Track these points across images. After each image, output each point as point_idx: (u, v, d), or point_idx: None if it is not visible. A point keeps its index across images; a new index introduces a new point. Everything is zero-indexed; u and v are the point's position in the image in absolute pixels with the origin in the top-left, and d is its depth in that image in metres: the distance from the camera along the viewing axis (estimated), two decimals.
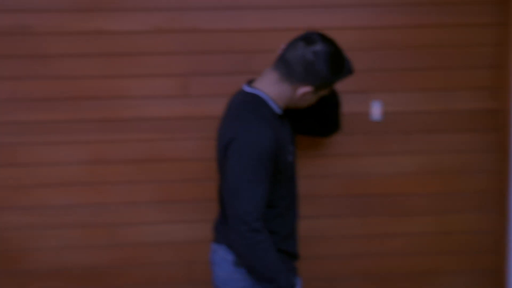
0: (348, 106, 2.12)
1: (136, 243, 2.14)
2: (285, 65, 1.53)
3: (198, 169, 2.12)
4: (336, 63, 1.53)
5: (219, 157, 1.58)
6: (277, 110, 1.59)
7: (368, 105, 2.12)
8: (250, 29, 2.06)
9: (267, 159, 1.47)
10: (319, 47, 1.51)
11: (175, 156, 2.11)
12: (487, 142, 2.19)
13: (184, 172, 2.11)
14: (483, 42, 2.13)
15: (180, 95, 2.08)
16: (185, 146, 2.10)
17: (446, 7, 2.09)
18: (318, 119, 1.90)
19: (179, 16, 2.03)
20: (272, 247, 1.50)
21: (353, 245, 2.17)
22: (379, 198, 2.19)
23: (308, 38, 1.53)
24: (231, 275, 1.59)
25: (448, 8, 2.09)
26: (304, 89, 1.54)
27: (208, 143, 2.09)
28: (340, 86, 2.07)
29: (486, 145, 2.19)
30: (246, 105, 1.55)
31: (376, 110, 2.12)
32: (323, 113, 1.87)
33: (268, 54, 2.06)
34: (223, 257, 1.62)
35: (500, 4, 2.11)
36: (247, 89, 1.60)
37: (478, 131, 2.18)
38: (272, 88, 1.57)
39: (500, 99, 2.17)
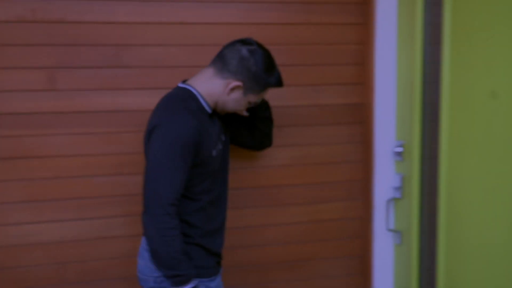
0: None
1: (5, 245, 2.00)
2: (220, 60, 1.61)
3: (70, 166, 2.03)
4: (268, 65, 1.61)
5: (144, 144, 1.59)
6: (206, 106, 1.63)
7: None
8: (120, 22, 2.00)
9: (188, 148, 1.49)
10: (255, 48, 1.60)
11: (44, 153, 2.00)
12: (353, 135, 2.30)
13: (55, 170, 2.01)
14: (347, 40, 2.24)
15: (47, 89, 1.98)
16: (55, 142, 2.00)
17: (313, 6, 2.17)
18: (250, 133, 1.93)
19: (44, 7, 1.94)
20: (180, 236, 1.50)
21: (231, 237, 2.18)
22: (255, 190, 2.21)
23: (246, 40, 1.62)
24: (148, 264, 1.60)
25: (315, 7, 2.17)
26: (234, 83, 1.59)
27: (79, 138, 2.01)
28: None
29: (352, 137, 2.30)
30: (175, 97, 1.59)
31: None
32: (255, 127, 1.91)
33: (138, 48, 2.02)
34: (143, 246, 1.64)
35: (362, 5, 2.22)
36: (180, 85, 1.65)
37: (344, 124, 2.28)
38: (204, 85, 1.62)
39: (363, 94, 2.28)
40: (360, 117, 2.31)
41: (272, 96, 2.13)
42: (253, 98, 1.66)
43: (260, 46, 1.64)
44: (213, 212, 1.68)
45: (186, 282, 1.52)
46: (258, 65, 1.60)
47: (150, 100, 2.05)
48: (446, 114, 1.77)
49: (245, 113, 1.73)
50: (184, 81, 1.69)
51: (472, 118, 1.62)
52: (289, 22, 2.16)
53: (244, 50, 1.60)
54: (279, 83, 1.67)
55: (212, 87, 1.62)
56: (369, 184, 2.27)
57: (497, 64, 1.52)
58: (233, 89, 1.61)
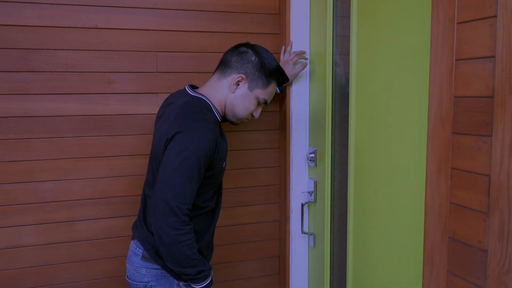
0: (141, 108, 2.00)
1: None
2: (222, 63, 1.59)
3: None
4: (267, 58, 1.57)
5: (157, 152, 1.50)
6: (218, 116, 1.57)
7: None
8: (29, 25, 1.84)
9: (204, 159, 1.42)
10: (252, 44, 1.60)
11: None
12: (271, 141, 2.23)
13: None
14: None
15: None
16: None
17: (229, 15, 2.09)
18: None
19: None
20: (194, 236, 1.44)
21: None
22: None
23: (242, 43, 1.62)
24: (138, 269, 1.56)
25: (231, 17, 2.09)
26: (237, 76, 1.54)
27: None
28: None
29: (270, 143, 2.23)
30: (192, 107, 1.49)
31: None
32: None
33: (49, 52, 1.86)
34: (134, 251, 1.58)
35: (276, 16, 2.16)
36: (192, 92, 1.57)
37: (264, 131, 2.21)
38: (213, 91, 1.57)
39: (280, 101, 2.22)
40: (277, 123, 2.24)
41: None
42: (260, 94, 1.58)
43: (256, 46, 1.61)
44: (213, 217, 1.63)
45: (209, 275, 1.47)
46: (258, 55, 1.57)
47: (61, 105, 1.90)
48: (354, 118, 1.73)
49: (256, 114, 1.63)
50: (192, 87, 1.62)
51: (377, 123, 1.59)
52: (206, 30, 2.08)
53: (241, 48, 1.59)
54: (282, 74, 1.61)
55: (219, 90, 1.57)
56: (285, 189, 2.20)
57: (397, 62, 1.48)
58: (237, 83, 1.56)
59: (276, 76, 1.60)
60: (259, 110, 1.64)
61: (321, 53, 2.01)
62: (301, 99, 2.15)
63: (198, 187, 1.45)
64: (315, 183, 2.09)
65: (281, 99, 2.24)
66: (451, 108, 1.17)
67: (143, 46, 2.02)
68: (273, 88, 1.62)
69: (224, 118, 1.66)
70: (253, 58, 1.56)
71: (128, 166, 2.06)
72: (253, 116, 1.65)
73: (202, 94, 1.57)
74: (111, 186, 2.04)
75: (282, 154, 2.26)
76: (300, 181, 2.17)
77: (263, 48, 1.62)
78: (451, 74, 1.16)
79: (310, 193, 2.14)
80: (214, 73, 1.62)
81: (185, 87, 1.66)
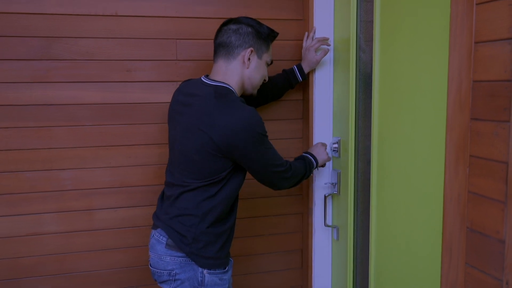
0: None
1: None
2: (221, 49, 1.70)
3: None
4: (256, 24, 1.72)
5: (188, 146, 1.61)
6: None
7: None
8: (50, 13, 1.94)
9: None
10: (235, 19, 1.72)
11: None
12: (294, 130, 2.27)
13: None
14: (287, 36, 2.19)
15: None
16: None
17: (250, 1, 2.16)
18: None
19: None
20: (292, 166, 1.78)
21: None
22: None
23: (225, 22, 1.73)
24: (162, 257, 1.64)
25: (252, 2, 2.16)
26: (247, 52, 1.68)
27: (8, 132, 1.96)
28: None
29: (293, 132, 2.27)
30: (225, 97, 1.61)
31: None
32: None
33: (70, 40, 1.97)
34: (157, 239, 1.67)
35: (299, 1, 2.19)
36: (211, 82, 1.68)
37: (286, 120, 2.25)
38: (229, 77, 1.69)
39: (303, 89, 2.25)
40: (300, 112, 2.27)
41: None
42: (267, 57, 1.77)
43: (238, 18, 1.74)
44: (236, 202, 1.76)
45: (311, 160, 1.89)
46: (249, 26, 1.70)
47: (81, 94, 1.99)
48: (377, 110, 1.74)
49: (267, 76, 1.82)
50: (207, 77, 1.72)
51: (400, 111, 1.60)
52: (226, 16, 2.11)
53: (230, 25, 1.70)
54: (273, 31, 1.76)
55: (234, 72, 1.69)
56: (308, 180, 2.23)
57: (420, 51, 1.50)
58: (249, 59, 1.69)
59: (271, 35, 1.76)
60: (267, 73, 1.82)
61: (345, 39, 2.02)
62: (324, 87, 2.17)
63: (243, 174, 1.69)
64: (339, 174, 2.11)
65: (304, 87, 2.26)
66: (469, 93, 1.18)
67: (162, 33, 2.08)
68: (271, 48, 1.80)
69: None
70: (249, 30, 1.70)
71: (147, 155, 2.14)
72: (265, 80, 1.82)
73: (222, 82, 1.67)
74: (131, 175, 2.12)
75: (305, 145, 2.28)
76: (323, 172, 2.19)
77: (245, 17, 1.74)
78: (470, 57, 1.17)
79: (333, 184, 2.16)
80: (216, 60, 1.72)
81: (201, 78, 1.75)
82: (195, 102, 1.65)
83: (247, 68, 1.70)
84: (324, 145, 2.04)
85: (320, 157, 1.97)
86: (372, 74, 1.77)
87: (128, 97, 2.08)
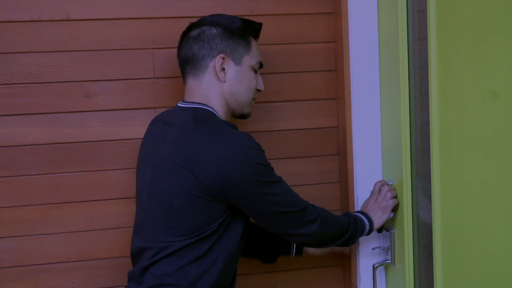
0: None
1: None
2: (185, 64, 1.84)
3: None
4: (223, 19, 1.84)
5: (178, 187, 1.68)
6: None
7: None
8: None
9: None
10: (195, 23, 1.85)
11: None
12: (327, 172, 2.37)
13: None
14: (313, 38, 2.31)
15: None
16: None
17: None
18: None
19: None
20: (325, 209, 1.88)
21: None
22: None
23: (184, 30, 1.88)
24: None
25: None
26: (217, 62, 1.80)
27: None
28: None
29: (325, 176, 2.35)
30: (207, 121, 1.73)
31: None
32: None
33: (1, 56, 2.07)
34: None
35: None
36: (187, 104, 1.83)
37: (315, 157, 2.34)
38: (207, 98, 1.82)
39: (338, 112, 2.33)
40: (335, 146, 2.34)
41: None
42: (250, 59, 1.85)
43: (197, 20, 1.88)
44: (236, 268, 1.89)
45: (362, 223, 1.96)
46: (215, 23, 1.83)
47: (23, 131, 2.12)
48: (437, 137, 1.76)
49: (261, 86, 1.93)
50: (183, 101, 1.87)
51: (467, 136, 1.63)
52: (227, 13, 2.16)
53: (190, 33, 1.84)
54: (251, 23, 1.87)
55: (210, 92, 1.82)
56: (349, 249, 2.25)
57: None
58: (222, 68, 1.80)
59: (249, 29, 1.84)
60: (260, 79, 1.91)
61: (392, 39, 2.06)
62: (368, 109, 2.20)
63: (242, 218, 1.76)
64: (392, 235, 2.12)
65: (338, 109, 2.30)
66: None
67: (134, 41, 2.16)
68: (255, 44, 1.88)
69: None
70: (214, 31, 1.81)
71: (117, 215, 2.20)
72: (260, 90, 1.91)
73: (200, 103, 1.81)
74: (94, 244, 2.19)
75: (344, 192, 2.31)
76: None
77: (208, 16, 1.85)
78: None
79: (385, 249, 2.17)
80: (185, 80, 1.87)
81: (178, 103, 1.87)
82: (171, 132, 1.76)
83: (224, 81, 1.81)
84: (385, 185, 2.06)
85: (377, 216, 1.99)
86: (429, 89, 1.79)
87: (87, 133, 2.16)
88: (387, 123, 2.15)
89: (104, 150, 2.17)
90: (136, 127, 2.18)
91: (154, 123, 1.92)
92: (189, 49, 1.81)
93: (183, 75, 1.86)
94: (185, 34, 1.84)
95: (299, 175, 2.30)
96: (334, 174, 2.32)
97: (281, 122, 2.29)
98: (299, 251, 2.13)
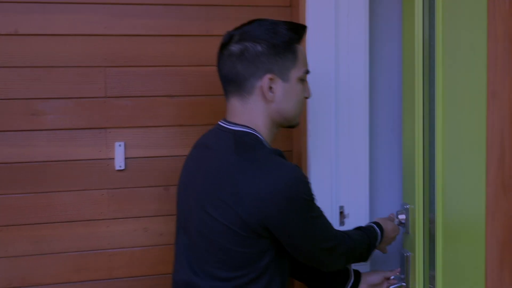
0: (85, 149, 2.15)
1: None
2: (228, 83, 1.70)
3: None
4: (268, 31, 1.66)
5: (221, 225, 1.60)
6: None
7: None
8: None
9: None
10: (236, 35, 1.68)
11: None
12: None
13: None
14: None
15: None
16: None
17: (215, 11, 2.22)
18: None
19: None
20: (352, 233, 1.84)
21: None
22: None
23: (222, 42, 1.71)
24: None
25: (219, 12, 2.22)
26: (264, 83, 1.65)
27: None
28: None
29: None
30: (250, 149, 1.62)
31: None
32: None
33: None
34: None
35: (287, 9, 2.24)
36: (229, 125, 1.70)
37: None
38: (251, 118, 1.69)
39: (297, 139, 2.28)
40: None
41: (151, 142, 2.17)
42: (297, 71, 1.72)
43: (237, 29, 1.71)
44: None
45: (376, 233, 1.93)
46: (259, 38, 1.66)
47: None
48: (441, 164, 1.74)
49: (308, 94, 1.81)
50: (225, 120, 1.74)
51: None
52: (180, 33, 2.18)
53: (231, 48, 1.68)
54: (297, 28, 1.71)
55: (256, 113, 1.70)
56: None
57: None
58: (270, 87, 1.67)
59: (295, 38, 1.70)
60: (307, 87, 1.79)
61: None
62: (324, 133, 2.19)
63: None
64: (407, 259, 2.08)
65: (294, 133, 2.28)
66: None
67: (85, 59, 2.12)
68: (301, 52, 1.74)
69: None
70: (258, 49, 1.66)
71: (64, 239, 2.15)
72: (306, 98, 1.81)
73: (243, 125, 1.69)
74: (38, 269, 2.13)
75: None
76: (385, 255, 2.17)
77: (247, 26, 1.69)
78: None
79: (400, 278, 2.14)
80: (228, 98, 1.73)
81: (218, 122, 1.75)
82: (211, 158, 1.67)
83: (272, 101, 1.69)
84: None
85: (388, 227, 1.99)
86: (435, 112, 1.76)
87: (34, 153, 2.11)
88: (406, 138, 2.13)
89: (51, 171, 2.11)
90: (86, 148, 2.14)
91: (196, 146, 1.82)
92: (232, 67, 1.67)
93: (226, 93, 1.73)
94: (225, 46, 1.70)
95: None
96: None
97: None
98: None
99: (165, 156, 2.20)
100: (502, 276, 1.21)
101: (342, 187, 2.20)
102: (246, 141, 1.64)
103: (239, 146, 1.62)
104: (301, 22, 2.16)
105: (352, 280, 2.00)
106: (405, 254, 2.08)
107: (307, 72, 1.77)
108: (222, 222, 1.58)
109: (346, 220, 2.19)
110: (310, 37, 2.16)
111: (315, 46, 2.16)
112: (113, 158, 2.16)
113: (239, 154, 1.60)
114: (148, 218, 2.20)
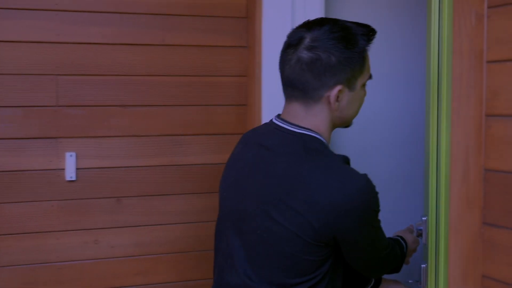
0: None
1: None
2: (291, 88, 1.62)
3: None
4: (339, 34, 1.58)
5: (289, 231, 1.54)
6: None
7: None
8: None
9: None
10: (307, 40, 1.58)
11: None
12: None
13: None
14: (229, 71, 2.29)
15: None
16: None
17: (170, 20, 2.20)
18: None
19: None
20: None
21: None
22: None
23: (290, 40, 1.62)
24: None
25: (174, 22, 2.21)
26: (333, 94, 1.59)
27: None
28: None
29: None
30: (321, 156, 1.58)
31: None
32: None
33: None
34: None
35: (242, 20, 2.25)
36: (293, 128, 1.62)
37: None
38: (314, 123, 1.62)
39: None
40: None
41: (103, 152, 2.13)
42: (363, 78, 1.67)
43: (309, 29, 1.61)
44: None
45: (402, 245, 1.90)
46: (333, 48, 1.57)
47: None
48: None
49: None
50: (281, 118, 1.67)
51: None
52: (135, 42, 2.15)
53: (301, 52, 1.58)
54: (367, 31, 1.63)
55: (319, 119, 1.64)
56: None
57: None
58: (338, 96, 1.61)
59: (367, 45, 1.64)
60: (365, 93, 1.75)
61: None
62: None
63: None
64: (424, 270, 2.07)
65: None
66: (480, 185, 1.21)
67: (36, 67, 2.07)
68: (368, 57, 1.68)
69: None
70: (332, 60, 1.58)
71: (12, 251, 2.09)
72: None
73: (308, 129, 1.63)
74: None
75: None
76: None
77: (318, 29, 1.60)
78: (480, 134, 1.21)
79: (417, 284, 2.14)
80: (289, 100, 1.67)
81: (272, 121, 1.69)
82: (275, 161, 1.61)
83: (336, 110, 1.64)
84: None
85: (409, 239, 1.98)
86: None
87: None
88: None
89: None
90: (35, 158, 2.09)
91: (247, 144, 1.75)
92: (301, 75, 1.58)
93: (285, 93, 1.66)
94: (292, 48, 1.61)
95: (204, 211, 2.27)
96: None
97: (189, 156, 2.25)
98: None
99: (118, 167, 2.16)
100: None
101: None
102: (316, 147, 1.60)
103: (310, 152, 1.58)
104: (257, 35, 2.16)
105: (372, 284, 1.99)
106: (421, 266, 2.09)
107: (371, 77, 1.72)
108: (288, 229, 1.53)
109: None
110: (265, 49, 2.16)
111: (271, 58, 2.15)
112: (64, 169, 2.11)
113: (311, 160, 1.56)
114: (99, 230, 2.16)
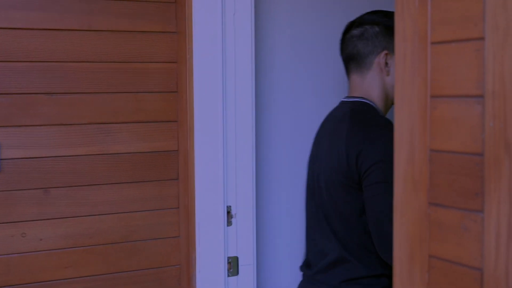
0: None
1: None
2: (350, 61, 2.02)
3: None
4: (380, 13, 2.00)
5: (332, 179, 1.91)
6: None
7: None
8: None
9: None
10: (356, 22, 2.02)
11: None
12: (164, 198, 2.24)
13: None
14: (156, 57, 2.24)
15: None
16: None
17: (96, 4, 2.13)
18: None
19: None
20: None
21: None
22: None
23: (345, 29, 2.06)
24: None
25: (100, 6, 2.14)
26: (381, 59, 1.97)
27: None
28: None
29: (163, 201, 2.24)
30: (362, 114, 1.93)
31: None
32: None
33: None
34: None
35: (171, 5, 2.20)
36: (348, 99, 2.01)
37: (151, 182, 2.22)
38: (369, 92, 1.98)
39: (180, 135, 2.26)
40: (174, 171, 2.26)
41: (29, 142, 2.05)
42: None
43: (360, 17, 2.03)
44: None
45: None
46: (376, 21, 1.97)
47: None
48: None
49: None
50: (344, 98, 2.05)
51: None
52: (59, 27, 2.08)
53: (352, 31, 2.01)
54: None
55: (374, 86, 1.99)
56: (189, 272, 2.20)
57: None
58: (386, 63, 1.97)
59: None
60: None
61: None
62: (211, 132, 2.17)
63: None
64: None
65: (179, 132, 2.24)
66: (426, 166, 1.22)
67: None
68: None
69: None
70: (376, 29, 1.97)
71: None
72: None
73: (360, 97, 1.99)
74: None
75: (184, 218, 2.29)
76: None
77: (367, 14, 2.01)
78: (425, 116, 1.22)
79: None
80: (350, 76, 2.04)
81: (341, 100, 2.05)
82: (329, 128, 1.99)
83: (387, 75, 1.98)
84: None
85: None
86: None
87: None
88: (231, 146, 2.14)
89: None
90: None
91: (323, 122, 2.10)
92: (354, 47, 1.99)
93: (347, 71, 2.04)
94: (346, 33, 2.02)
95: (135, 200, 2.22)
96: (173, 199, 2.26)
97: (117, 144, 2.20)
98: None
99: (45, 157, 2.08)
100: (412, 271, 1.22)
101: (230, 186, 2.19)
102: (363, 109, 1.94)
103: (353, 113, 1.91)
104: (188, 20, 2.14)
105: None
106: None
107: None
108: (336, 184, 1.90)
109: (233, 220, 2.18)
110: (196, 34, 2.13)
111: (201, 44, 2.14)
112: None
113: (352, 118, 1.89)
114: (26, 222, 2.07)
